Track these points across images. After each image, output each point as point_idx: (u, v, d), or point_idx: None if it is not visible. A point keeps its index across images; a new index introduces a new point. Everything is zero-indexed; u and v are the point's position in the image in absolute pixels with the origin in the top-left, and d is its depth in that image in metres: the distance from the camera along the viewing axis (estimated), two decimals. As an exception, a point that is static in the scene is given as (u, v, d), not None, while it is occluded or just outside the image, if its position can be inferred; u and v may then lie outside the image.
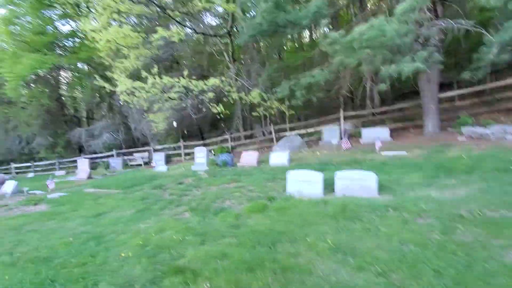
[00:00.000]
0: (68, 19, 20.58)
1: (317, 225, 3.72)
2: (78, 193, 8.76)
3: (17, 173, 20.07)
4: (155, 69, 8.56)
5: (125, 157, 16.18)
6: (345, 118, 11.04)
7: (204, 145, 16.59)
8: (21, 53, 16.87)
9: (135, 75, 10.97)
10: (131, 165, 15.67)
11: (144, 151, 15.88)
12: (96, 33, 8.35)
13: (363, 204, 4.14)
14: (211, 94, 9.34)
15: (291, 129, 13.78)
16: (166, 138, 15.09)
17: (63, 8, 18.59)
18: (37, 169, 19.83)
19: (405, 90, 14.51)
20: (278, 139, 12.10)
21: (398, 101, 14.81)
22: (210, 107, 9.71)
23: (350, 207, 4.04)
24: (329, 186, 5.17)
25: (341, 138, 9.73)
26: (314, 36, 17.94)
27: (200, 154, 10.24)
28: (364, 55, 6.79)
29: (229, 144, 13.51)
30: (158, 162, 14.20)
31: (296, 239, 3.43)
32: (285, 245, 3.31)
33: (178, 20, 9.50)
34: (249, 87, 9.96)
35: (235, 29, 12.83)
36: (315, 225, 3.74)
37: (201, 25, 13.02)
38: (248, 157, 9.23)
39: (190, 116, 13.39)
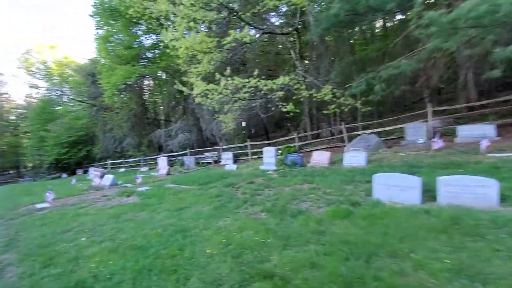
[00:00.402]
0: (150, 33, 23.30)
1: (423, 240, 3.13)
2: (161, 187, 9.64)
3: (112, 168, 23.61)
4: (227, 71, 8.82)
5: (197, 156, 17.38)
6: (433, 113, 9.54)
7: (269, 144, 16.66)
8: (115, 65, 19.74)
9: (207, 79, 11.60)
10: (202, 163, 16.73)
11: (213, 150, 16.79)
12: (176, 42, 9.05)
13: (482, 217, 3.34)
14: (280, 93, 9.18)
15: (364, 127, 12.68)
16: (234, 137, 15.61)
17: (147, 24, 21.09)
18: (127, 165, 22.99)
19: (508, 79, 11.89)
20: (349, 139, 11.25)
21: (501, 92, 12.23)
22: (280, 106, 9.57)
23: (465, 220, 3.30)
24: (426, 192, 4.41)
25: (429, 137, 8.42)
26: (389, 24, 16.24)
27: (269, 154, 10.19)
28: (466, 38, 5.65)
29: (296, 143, 13.18)
30: (227, 161, 14.82)
31: (397, 254, 2.93)
32: (384, 261, 2.85)
33: (248, 22, 9.61)
34: (319, 84, 9.46)
35: (302, 26, 12.43)
36: (419, 239, 3.15)
37: (268, 25, 13.03)
38: (319, 157, 8.76)
39: (257, 116, 13.54)
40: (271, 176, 8.48)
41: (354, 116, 14.14)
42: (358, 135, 10.91)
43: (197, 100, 10.40)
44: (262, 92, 10.21)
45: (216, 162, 16.20)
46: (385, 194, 4.46)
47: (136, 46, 22.01)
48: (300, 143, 13.37)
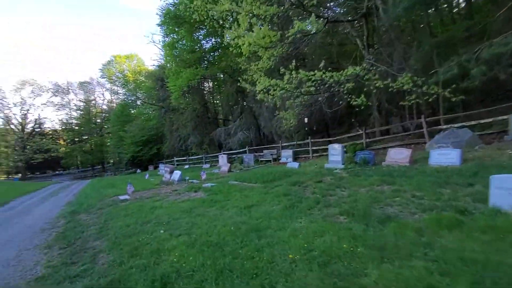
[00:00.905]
0: (210, 37, 24.40)
1: None
2: (225, 184, 9.80)
3: (177, 165, 25.49)
4: (292, 64, 8.43)
5: (256, 154, 17.45)
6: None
7: (330, 142, 15.73)
8: (180, 69, 21.15)
9: (267, 75, 11.42)
10: (261, 160, 16.72)
11: (272, 148, 16.63)
12: (239, 39, 9.03)
13: None
14: (349, 85, 8.40)
15: (447, 121, 10.89)
16: (294, 135, 15.16)
17: (208, 28, 22.15)
18: (190, 162, 24.54)
19: None
20: (430, 135, 9.77)
21: None
22: (348, 99, 8.77)
23: None
24: None
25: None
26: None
27: (335, 151, 9.48)
28: None
29: (363, 140, 12.07)
30: (287, 159, 14.46)
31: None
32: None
33: (312, 11, 9.05)
34: (394, 73, 8.36)
35: (370, 11, 11.27)
36: None
37: (331, 14, 12.20)
38: (398, 155, 7.73)
39: (319, 112, 12.85)
40: (340, 175, 7.81)
41: (433, 108, 12.31)
42: (443, 129, 9.37)
43: (259, 96, 10.26)
44: (327, 85, 9.54)
45: (275, 160, 16.00)
46: (507, 201, 3.51)
47: (197, 50, 23.28)
48: (368, 140, 12.22)
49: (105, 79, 46.83)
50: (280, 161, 15.16)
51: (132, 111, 39.02)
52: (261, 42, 8.68)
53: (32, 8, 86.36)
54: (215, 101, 27.61)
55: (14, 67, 77.16)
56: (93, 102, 51.95)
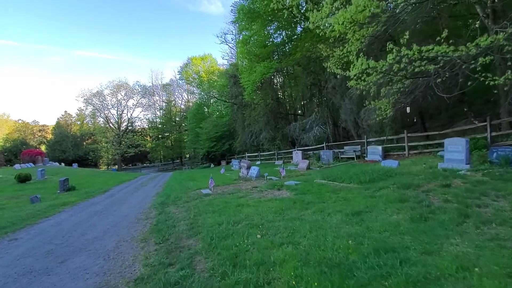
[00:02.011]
0: (281, 30, 23.62)
1: None
2: (311, 183, 8.78)
3: (249, 160, 25.60)
4: (405, 37, 6.80)
5: (335, 150, 15.87)
6: None
7: (428, 137, 13.07)
8: (253, 64, 20.92)
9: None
10: (341, 157, 15.09)
11: (355, 143, 14.81)
12: (330, 18, 7.83)
13: None
14: (484, 59, 6.30)
15: None
16: (385, 128, 13.08)
17: (280, 20, 21.41)
18: (262, 158, 24.29)
19: None
20: None
21: None
22: (481, 78, 6.63)
23: None
24: None
25: None
26: None
27: (455, 147, 7.41)
28: None
29: (488, 134, 9.39)
30: (376, 156, 12.56)
31: None
32: None
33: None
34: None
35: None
36: None
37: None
38: None
39: (421, 99, 10.62)
40: (475, 178, 5.90)
41: None
42: None
43: (351, 83, 8.87)
44: (441, 64, 7.50)
45: (358, 157, 14.18)
46: None
47: (269, 44, 22.78)
48: (494, 134, 9.47)
49: (183, 81, 51.19)
50: (367, 158, 13.30)
51: (206, 110, 41.44)
52: (359, 17, 7.28)
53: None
54: (285, 96, 26.75)
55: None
56: (173, 102, 57.45)
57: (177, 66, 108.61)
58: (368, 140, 14.17)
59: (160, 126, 55.81)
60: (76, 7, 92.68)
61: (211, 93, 38.02)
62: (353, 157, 14.23)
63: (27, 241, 5.53)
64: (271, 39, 23.65)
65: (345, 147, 15.25)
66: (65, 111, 57.35)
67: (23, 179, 17.53)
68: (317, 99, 19.29)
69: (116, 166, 51.96)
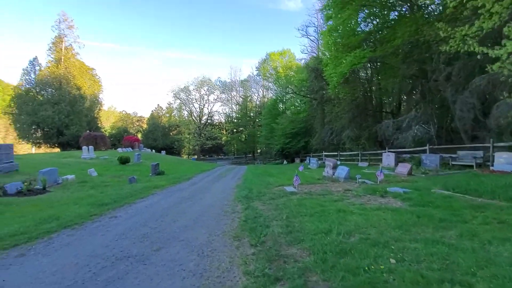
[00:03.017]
0: (372, 17, 21.03)
1: None
2: (426, 192, 6.95)
3: (326, 160, 23.82)
4: None
5: (442, 155, 12.94)
6: None
7: None
8: (340, 55, 19.07)
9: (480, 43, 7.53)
10: (453, 164, 12.16)
11: (477, 148, 11.65)
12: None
13: None
14: None
15: None
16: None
17: (372, 6, 19.07)
18: (342, 158, 22.21)
19: None
20: None
21: None
22: None
23: None
24: None
25: None
26: None
27: None
28: None
29: None
30: (506, 166, 9.50)
31: None
32: None
33: None
34: None
35: None
36: None
37: None
38: None
39: None
40: None
41: None
42: None
43: (495, 66, 6.61)
44: None
45: (480, 165, 11.12)
46: None
47: (360, 32, 20.51)
48: None
49: (259, 77, 52.02)
50: (493, 168, 10.24)
51: (281, 106, 40.97)
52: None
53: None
54: (373, 90, 23.76)
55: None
56: (249, 97, 59.17)
57: (255, 63, 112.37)
58: (495, 144, 10.94)
59: (235, 120, 58.30)
60: (165, 10, 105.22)
61: (288, 88, 37.23)
62: (472, 165, 11.23)
63: (125, 220, 5.64)
64: (361, 27, 21.41)
65: (460, 152, 12.21)
66: (158, 105, 65.56)
67: (124, 161, 20.11)
68: (419, 93, 16.21)
69: (195, 155, 56.61)
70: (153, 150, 41.56)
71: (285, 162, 31.38)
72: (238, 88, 59.88)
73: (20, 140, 38.41)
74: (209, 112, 59.86)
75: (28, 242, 4.29)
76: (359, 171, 13.01)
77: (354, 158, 20.68)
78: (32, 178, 10.42)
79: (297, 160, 29.39)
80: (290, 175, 12.28)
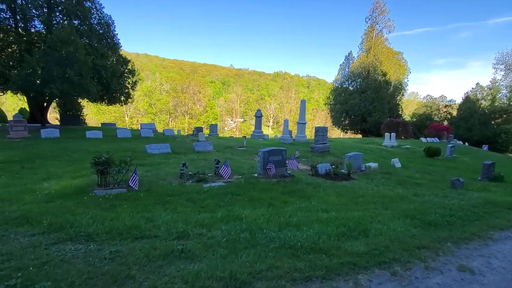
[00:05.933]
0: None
1: None
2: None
3: None
4: None
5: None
6: None
7: None
8: None
9: None
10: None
11: None
12: None
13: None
14: None
15: None
16: None
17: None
18: None
19: None
20: None
21: None
22: None
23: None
24: None
25: None
26: None
27: None
28: None
29: None
30: None
31: None
32: None
33: None
34: None
35: None
36: None
37: None
38: None
39: None
40: None
41: None
42: None
43: None
44: None
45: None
46: None
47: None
48: None
49: None
50: None
51: None
52: None
53: None
54: None
55: None
56: None
57: None
58: None
59: None
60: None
61: None
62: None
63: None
64: None
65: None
66: (477, 84, 50.48)
67: (432, 153, 16.06)
68: None
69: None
70: (466, 143, 32.29)
71: None
72: None
73: (334, 126, 46.67)
74: None
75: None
76: None
77: None
78: (339, 160, 10.17)
79: None
80: None
